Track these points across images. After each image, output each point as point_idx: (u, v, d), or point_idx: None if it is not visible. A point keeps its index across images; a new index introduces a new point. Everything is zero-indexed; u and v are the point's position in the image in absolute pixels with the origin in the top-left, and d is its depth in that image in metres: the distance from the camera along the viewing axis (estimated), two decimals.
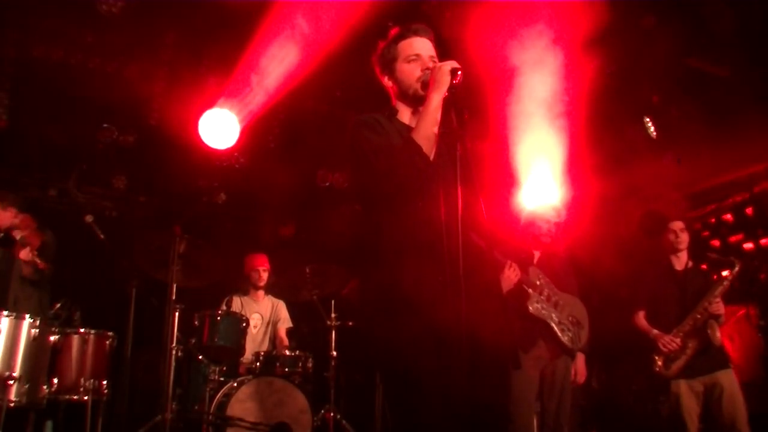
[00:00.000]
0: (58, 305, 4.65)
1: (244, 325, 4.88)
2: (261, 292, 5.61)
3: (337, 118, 5.97)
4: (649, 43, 5.06)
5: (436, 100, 2.29)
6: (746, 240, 6.54)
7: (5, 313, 3.97)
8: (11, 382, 3.81)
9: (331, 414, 4.85)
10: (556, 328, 4.00)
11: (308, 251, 6.65)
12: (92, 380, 4.21)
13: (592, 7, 4.56)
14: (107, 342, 4.42)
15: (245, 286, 5.61)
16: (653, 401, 6.07)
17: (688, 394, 4.26)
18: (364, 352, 5.10)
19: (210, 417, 4.42)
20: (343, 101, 5.87)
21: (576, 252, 4.99)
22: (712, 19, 4.85)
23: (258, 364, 4.89)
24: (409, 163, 2.25)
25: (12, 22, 5.00)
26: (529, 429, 3.98)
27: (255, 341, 5.40)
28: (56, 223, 5.25)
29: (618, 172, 6.14)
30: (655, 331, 4.39)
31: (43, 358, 4.09)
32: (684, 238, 4.55)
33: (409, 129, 2.40)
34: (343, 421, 4.89)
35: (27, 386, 3.90)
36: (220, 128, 5.68)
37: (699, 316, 4.29)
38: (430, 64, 2.43)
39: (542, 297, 4.02)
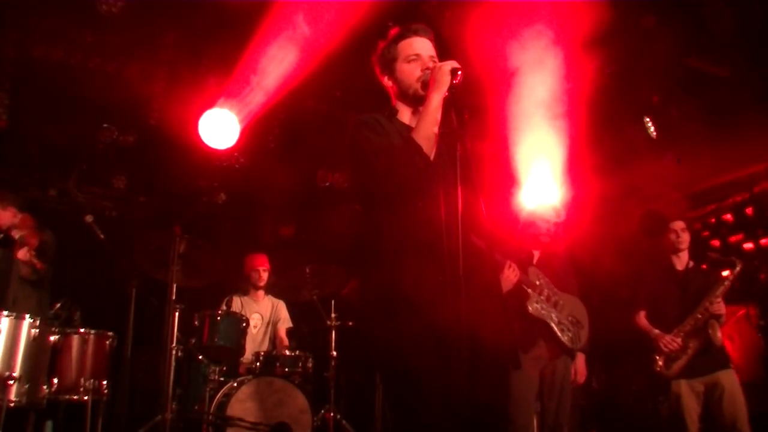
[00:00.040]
0: (58, 305, 4.64)
1: (244, 325, 4.88)
2: (261, 292, 5.61)
3: (337, 118, 5.97)
4: (649, 43, 5.06)
5: (436, 100, 2.29)
6: (746, 240, 6.54)
7: (5, 313, 3.96)
8: (11, 382, 3.80)
9: (331, 414, 4.85)
10: (555, 328, 4.00)
11: (308, 251, 6.66)
12: (92, 380, 4.21)
13: (592, 7, 4.56)
14: (107, 342, 4.42)
15: (245, 286, 5.61)
16: (653, 401, 6.07)
17: (688, 394, 4.26)
18: (364, 352, 5.10)
19: (210, 417, 4.42)
20: (343, 101, 5.87)
21: (576, 252, 4.98)
22: (712, 19, 4.85)
23: (258, 364, 4.89)
24: (409, 163, 2.25)
25: (12, 22, 5.00)
26: (529, 429, 3.98)
27: (255, 341, 5.40)
28: (56, 223, 5.25)
29: (618, 172, 6.14)
30: (656, 331, 4.39)
31: (43, 358, 4.09)
32: (685, 238, 4.55)
33: (409, 129, 2.40)
34: (343, 421, 4.89)
35: (27, 386, 3.89)
36: (220, 128, 5.68)
37: (700, 316, 4.29)
38: (430, 64, 2.43)
39: (542, 297, 4.02)
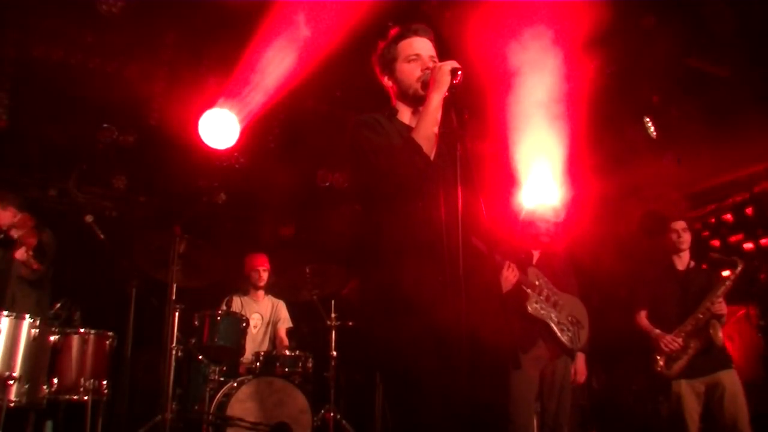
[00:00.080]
0: (58, 305, 4.64)
1: (244, 325, 4.88)
2: (261, 292, 5.61)
3: (337, 118, 5.97)
4: (649, 43, 5.06)
5: (436, 100, 2.29)
6: (746, 240, 6.54)
7: (5, 313, 3.97)
8: (11, 382, 3.80)
9: (331, 414, 4.85)
10: (555, 328, 4.00)
11: (308, 251, 6.65)
12: (92, 380, 4.21)
13: (592, 8, 4.56)
14: (107, 342, 4.42)
15: (245, 286, 5.61)
16: (653, 401, 6.06)
17: (689, 394, 4.26)
18: (364, 352, 5.10)
19: (210, 417, 4.42)
20: (343, 101, 5.87)
21: (576, 252, 4.98)
22: (712, 19, 4.85)
23: (258, 364, 4.89)
24: (409, 163, 2.25)
25: (12, 22, 5.00)
26: (529, 429, 3.98)
27: (255, 341, 5.40)
28: (56, 223, 5.25)
29: (618, 172, 6.14)
30: (657, 331, 4.39)
31: (43, 358, 4.09)
32: (686, 238, 4.55)
33: (409, 129, 2.40)
34: (343, 421, 4.89)
35: (27, 386, 3.90)
36: (220, 128, 5.68)
37: (701, 316, 4.29)
38: (430, 64, 2.42)
39: (541, 297, 4.02)
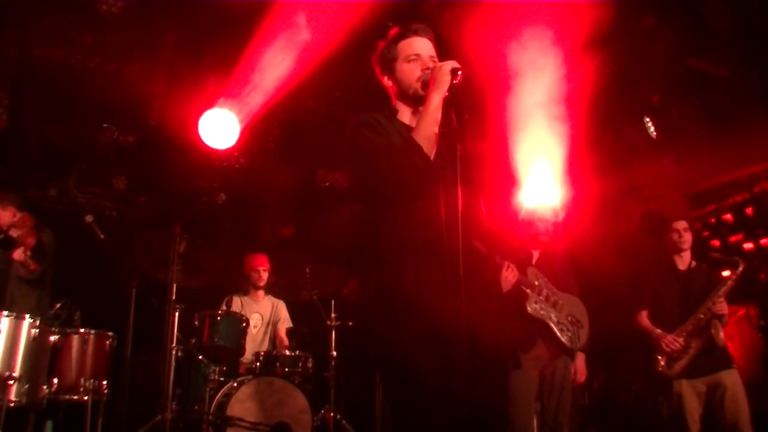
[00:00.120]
0: (58, 305, 4.65)
1: (244, 325, 4.88)
2: (261, 292, 5.61)
3: (337, 118, 5.97)
4: (649, 43, 5.06)
5: (436, 100, 2.29)
6: (746, 240, 6.54)
7: (5, 313, 3.97)
8: (11, 382, 3.81)
9: (331, 414, 4.85)
10: (555, 328, 4.00)
11: (308, 251, 6.66)
12: (92, 380, 4.22)
13: (592, 8, 4.56)
14: (107, 342, 4.42)
15: (245, 286, 5.61)
16: (653, 401, 6.06)
17: (690, 394, 4.25)
18: (364, 352, 5.10)
19: (210, 417, 4.42)
20: (343, 101, 5.87)
21: (576, 252, 4.98)
22: (712, 19, 4.85)
23: (258, 364, 4.89)
24: (409, 163, 2.25)
25: (12, 22, 5.00)
26: (529, 429, 3.98)
27: (255, 341, 5.40)
28: (56, 223, 5.25)
29: (618, 172, 6.14)
30: (658, 331, 4.39)
31: (43, 358, 4.09)
32: (687, 238, 4.55)
33: (409, 129, 2.40)
34: (343, 421, 4.89)
35: (27, 386, 3.90)
36: (220, 128, 5.68)
37: (702, 316, 4.29)
38: (430, 64, 2.42)
39: (541, 297, 4.02)
